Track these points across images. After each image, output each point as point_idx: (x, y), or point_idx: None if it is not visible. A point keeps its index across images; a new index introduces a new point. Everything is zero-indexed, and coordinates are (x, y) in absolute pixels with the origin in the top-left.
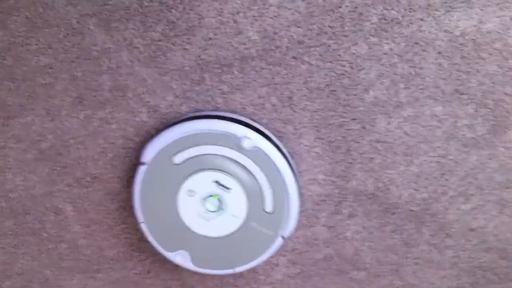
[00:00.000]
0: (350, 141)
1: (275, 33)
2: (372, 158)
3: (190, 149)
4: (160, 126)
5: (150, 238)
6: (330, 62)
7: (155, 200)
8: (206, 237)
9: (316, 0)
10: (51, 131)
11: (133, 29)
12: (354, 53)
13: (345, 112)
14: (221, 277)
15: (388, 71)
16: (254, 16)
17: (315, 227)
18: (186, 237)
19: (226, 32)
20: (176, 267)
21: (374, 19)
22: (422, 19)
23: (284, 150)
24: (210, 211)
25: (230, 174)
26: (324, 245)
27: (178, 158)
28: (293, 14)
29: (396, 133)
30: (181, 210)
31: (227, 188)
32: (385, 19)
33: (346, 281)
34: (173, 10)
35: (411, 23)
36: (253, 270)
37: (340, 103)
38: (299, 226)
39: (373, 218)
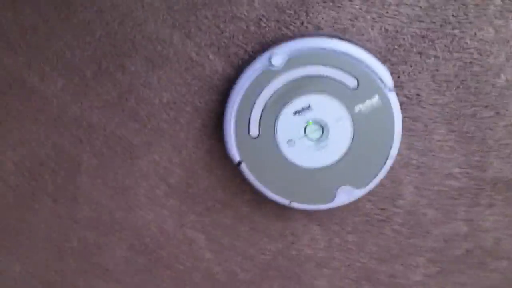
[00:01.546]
0: (484, 129)
1: (397, 31)
2: (508, 144)
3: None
4: None
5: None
6: (457, 52)
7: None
8: (340, 159)
9: None
10: (178, 164)
11: (252, 52)
12: (481, 39)
13: (477, 101)
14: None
15: None
16: (373, 19)
17: (453, 222)
18: (328, 176)
19: None
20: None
21: (498, 1)
22: None
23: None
24: (317, 138)
25: (297, 96)
26: (463, 239)
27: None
28: (413, 9)
29: None
30: (298, 161)
31: (308, 108)
32: None
33: (488, 273)
34: (291, 18)
35: None
36: (392, 275)
37: (471, 92)
38: (437, 223)
39: None
